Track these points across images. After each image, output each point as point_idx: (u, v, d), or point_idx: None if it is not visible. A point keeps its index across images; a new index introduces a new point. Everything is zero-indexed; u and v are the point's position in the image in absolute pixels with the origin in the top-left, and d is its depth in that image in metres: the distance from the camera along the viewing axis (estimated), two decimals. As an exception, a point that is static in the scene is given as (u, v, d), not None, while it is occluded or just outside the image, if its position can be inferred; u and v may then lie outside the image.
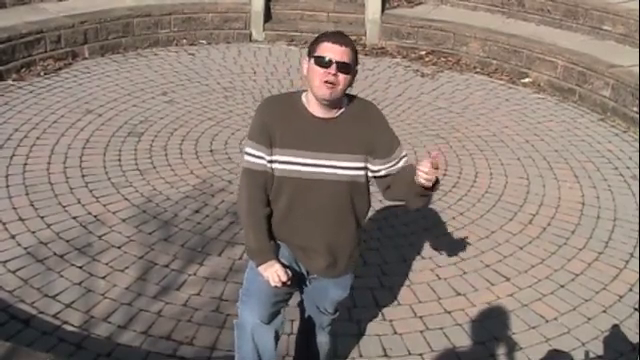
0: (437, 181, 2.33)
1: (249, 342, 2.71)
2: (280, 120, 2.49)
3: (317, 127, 2.48)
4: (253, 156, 2.52)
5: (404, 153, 2.59)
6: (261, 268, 2.55)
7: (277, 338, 2.78)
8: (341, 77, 2.39)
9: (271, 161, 2.50)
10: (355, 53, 2.45)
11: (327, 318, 2.91)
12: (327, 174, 2.48)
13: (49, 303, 3.63)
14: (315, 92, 2.43)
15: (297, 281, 2.71)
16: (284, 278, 2.52)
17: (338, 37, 2.43)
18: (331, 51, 2.38)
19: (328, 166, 2.48)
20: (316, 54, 2.41)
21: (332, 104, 2.46)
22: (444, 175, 5.30)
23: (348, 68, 2.41)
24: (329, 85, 2.38)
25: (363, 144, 2.50)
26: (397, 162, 2.55)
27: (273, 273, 2.52)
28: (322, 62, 2.38)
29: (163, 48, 7.83)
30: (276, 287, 2.55)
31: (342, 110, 2.52)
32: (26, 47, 6.81)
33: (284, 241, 2.62)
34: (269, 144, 2.48)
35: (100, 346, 3.36)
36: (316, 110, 2.49)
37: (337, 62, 2.37)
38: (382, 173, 2.56)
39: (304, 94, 2.54)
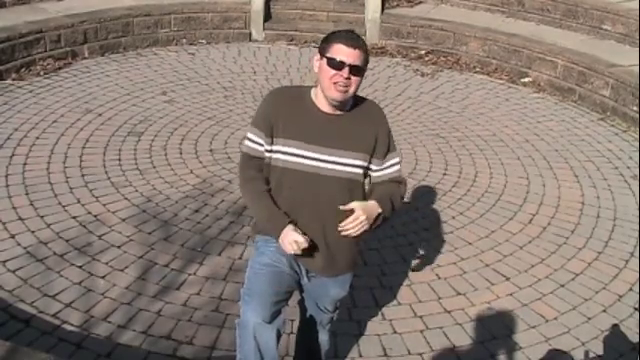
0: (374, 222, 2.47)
1: (251, 341, 2.71)
2: (285, 111, 2.51)
3: (323, 122, 2.50)
4: (252, 141, 2.57)
5: (397, 160, 2.60)
6: (280, 238, 2.49)
7: (279, 337, 2.78)
8: (353, 79, 2.40)
9: (271, 150, 2.52)
10: (367, 54, 2.46)
11: (327, 316, 2.92)
12: (327, 169, 2.49)
13: (49, 303, 3.63)
14: (326, 92, 2.44)
15: (297, 281, 2.72)
16: (304, 245, 2.45)
17: (351, 39, 2.42)
18: (344, 54, 2.38)
19: (329, 162, 2.49)
20: (328, 55, 2.41)
21: (341, 104, 2.48)
22: (444, 174, 5.32)
23: (360, 71, 2.42)
24: (340, 88, 2.39)
25: (366, 143, 2.52)
26: (386, 170, 2.58)
27: (292, 242, 2.45)
28: (334, 64, 2.39)
29: (163, 48, 7.83)
30: (296, 255, 2.49)
31: (349, 108, 2.54)
32: (26, 47, 6.81)
33: None
34: (270, 133, 2.51)
35: (100, 346, 3.36)
36: (323, 105, 2.51)
37: (350, 65, 2.38)
38: (373, 174, 2.59)
39: (313, 89, 2.56)
